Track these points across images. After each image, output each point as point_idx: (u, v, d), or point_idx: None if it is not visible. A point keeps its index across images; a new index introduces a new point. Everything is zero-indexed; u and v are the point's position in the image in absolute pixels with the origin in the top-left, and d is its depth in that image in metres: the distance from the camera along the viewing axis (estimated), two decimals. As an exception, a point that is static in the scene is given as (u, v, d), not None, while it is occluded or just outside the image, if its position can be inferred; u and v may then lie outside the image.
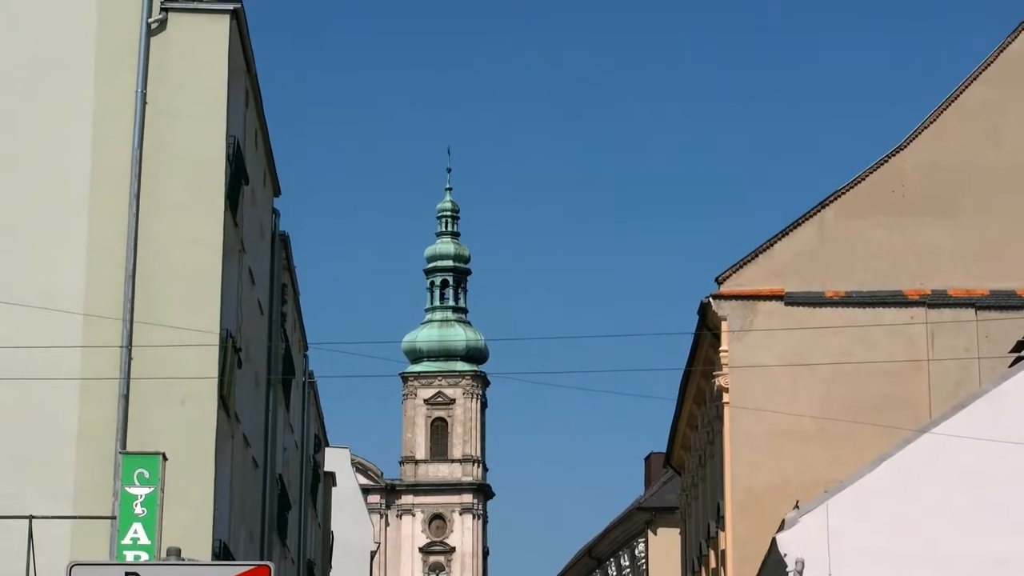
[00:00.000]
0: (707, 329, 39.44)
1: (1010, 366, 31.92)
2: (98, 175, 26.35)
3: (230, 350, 26.95)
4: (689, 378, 44.53)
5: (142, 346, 25.31)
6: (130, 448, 24.32)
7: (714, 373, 39.24)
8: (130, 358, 25.28)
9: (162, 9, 27.04)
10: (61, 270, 25.96)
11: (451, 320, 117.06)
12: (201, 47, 27.10)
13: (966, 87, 37.03)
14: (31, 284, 25.81)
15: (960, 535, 29.28)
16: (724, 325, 38.23)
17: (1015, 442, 28.77)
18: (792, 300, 37.89)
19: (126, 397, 25.18)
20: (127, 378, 25.25)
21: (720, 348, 38.48)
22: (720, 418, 38.95)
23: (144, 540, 22.57)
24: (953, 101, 37.06)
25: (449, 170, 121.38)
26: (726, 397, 38.12)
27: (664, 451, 57.04)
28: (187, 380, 25.41)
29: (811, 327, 37.34)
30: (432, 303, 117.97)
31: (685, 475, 52.69)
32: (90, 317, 25.56)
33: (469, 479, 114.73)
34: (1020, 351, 32.35)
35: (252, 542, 32.88)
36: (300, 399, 46.04)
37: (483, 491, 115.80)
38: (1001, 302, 37.33)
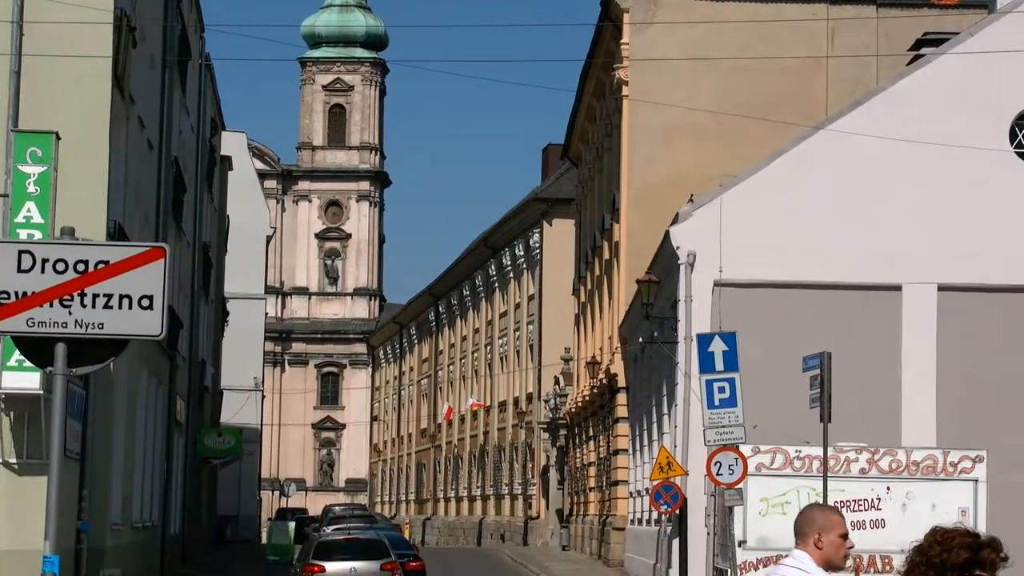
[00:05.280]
0: (609, 21, 39.24)
1: (908, 64, 32.03)
2: None
3: (124, 29, 26.41)
4: (589, 70, 44.46)
5: (33, 22, 24.73)
6: (22, 127, 23.97)
7: (614, 66, 39.17)
8: (21, 34, 24.73)
9: None
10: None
11: (351, 5, 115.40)
12: None
13: None
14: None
15: (850, 231, 29.74)
16: (626, 17, 38.05)
17: (910, 140, 29.03)
18: (695, -7, 37.65)
19: (17, 74, 24.68)
20: (19, 54, 24.72)
21: (621, 40, 38.36)
22: (619, 111, 39.02)
23: (38, 219, 22.45)
24: None
25: None
26: (625, 90, 38.13)
27: (562, 143, 57.22)
28: (81, 59, 24.93)
29: (713, 21, 37.21)
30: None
31: (582, 167, 52.96)
32: (-22, -9, 24.88)
33: (366, 166, 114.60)
34: (918, 49, 32.42)
35: (147, 224, 32.77)
36: (196, 82, 45.47)
37: (380, 179, 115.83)
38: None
